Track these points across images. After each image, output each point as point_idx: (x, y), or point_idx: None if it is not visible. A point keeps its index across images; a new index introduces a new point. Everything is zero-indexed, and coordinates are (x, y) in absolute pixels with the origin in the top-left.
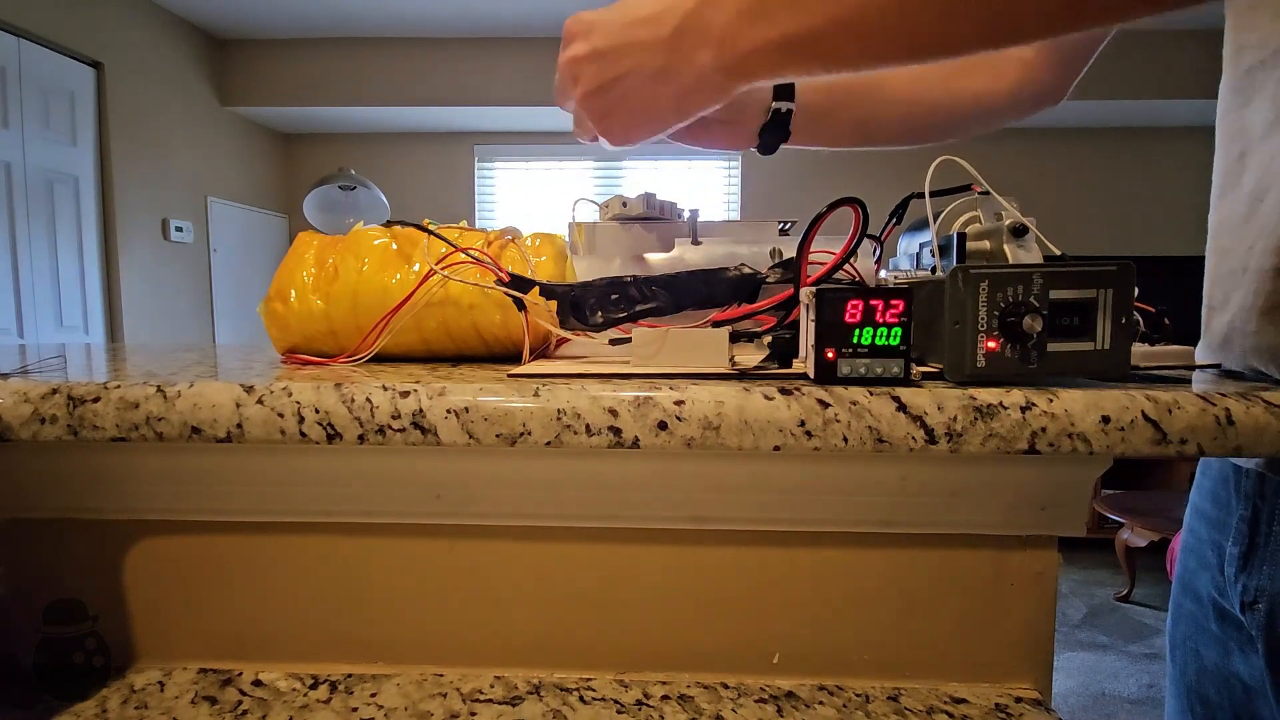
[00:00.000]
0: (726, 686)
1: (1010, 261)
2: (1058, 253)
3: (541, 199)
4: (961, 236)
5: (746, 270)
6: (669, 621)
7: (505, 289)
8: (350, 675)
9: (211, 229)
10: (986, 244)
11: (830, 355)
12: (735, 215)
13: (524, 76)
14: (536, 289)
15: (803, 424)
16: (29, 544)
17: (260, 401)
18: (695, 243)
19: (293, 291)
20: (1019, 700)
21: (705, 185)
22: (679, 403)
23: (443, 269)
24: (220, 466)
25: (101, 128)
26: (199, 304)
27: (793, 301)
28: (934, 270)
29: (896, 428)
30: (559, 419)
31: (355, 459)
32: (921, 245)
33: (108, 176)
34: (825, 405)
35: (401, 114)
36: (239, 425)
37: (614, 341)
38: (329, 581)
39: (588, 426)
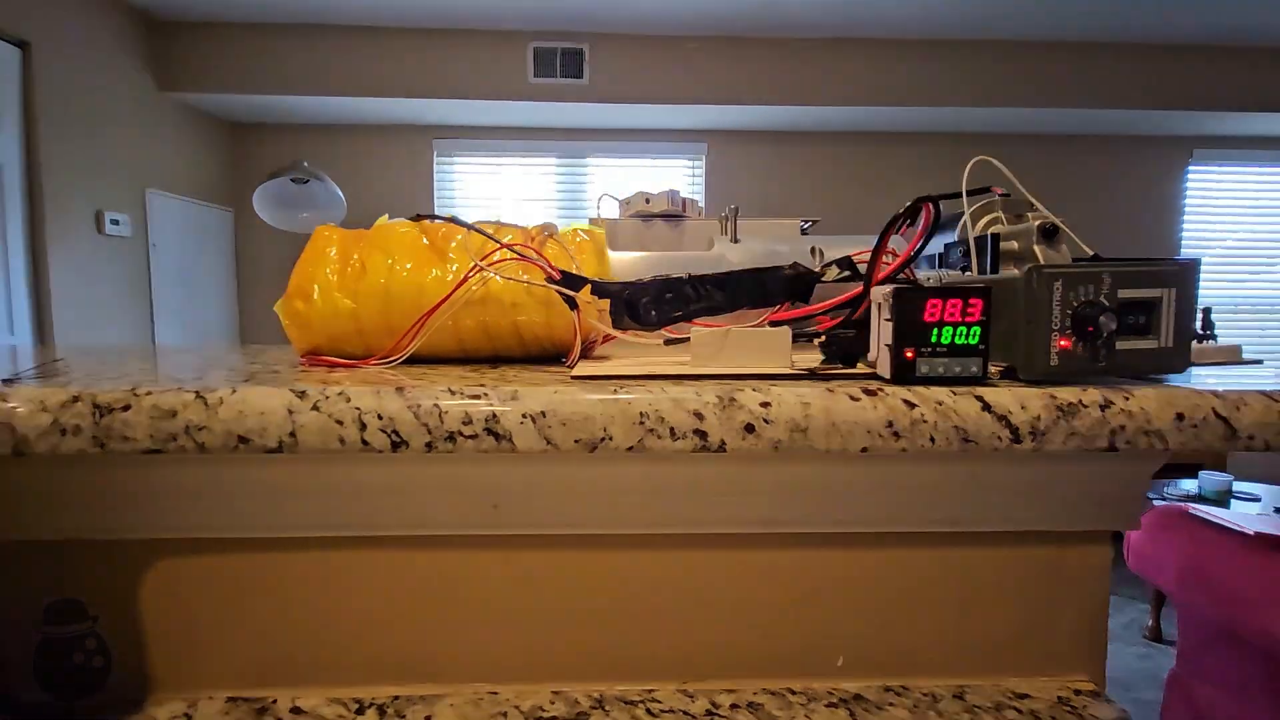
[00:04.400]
0: (793, 692)
1: (1042, 262)
2: (1089, 253)
3: (503, 194)
4: (995, 238)
5: (802, 269)
6: (731, 628)
7: (556, 287)
8: (398, 697)
9: (151, 222)
10: (1015, 245)
11: (910, 355)
12: None
13: (483, 69)
14: (588, 287)
15: (890, 425)
16: (30, 568)
17: (315, 408)
18: (734, 240)
19: (315, 289)
20: (1078, 693)
21: (669, 183)
22: (765, 404)
23: (489, 266)
24: (252, 480)
25: (28, 112)
26: (137, 302)
27: (855, 301)
28: (963, 270)
29: (982, 427)
30: (641, 422)
31: (408, 469)
32: (947, 246)
33: (35, 164)
34: (911, 406)
35: (356, 105)
36: (292, 434)
37: (669, 341)
38: (371, 598)
39: (672, 430)
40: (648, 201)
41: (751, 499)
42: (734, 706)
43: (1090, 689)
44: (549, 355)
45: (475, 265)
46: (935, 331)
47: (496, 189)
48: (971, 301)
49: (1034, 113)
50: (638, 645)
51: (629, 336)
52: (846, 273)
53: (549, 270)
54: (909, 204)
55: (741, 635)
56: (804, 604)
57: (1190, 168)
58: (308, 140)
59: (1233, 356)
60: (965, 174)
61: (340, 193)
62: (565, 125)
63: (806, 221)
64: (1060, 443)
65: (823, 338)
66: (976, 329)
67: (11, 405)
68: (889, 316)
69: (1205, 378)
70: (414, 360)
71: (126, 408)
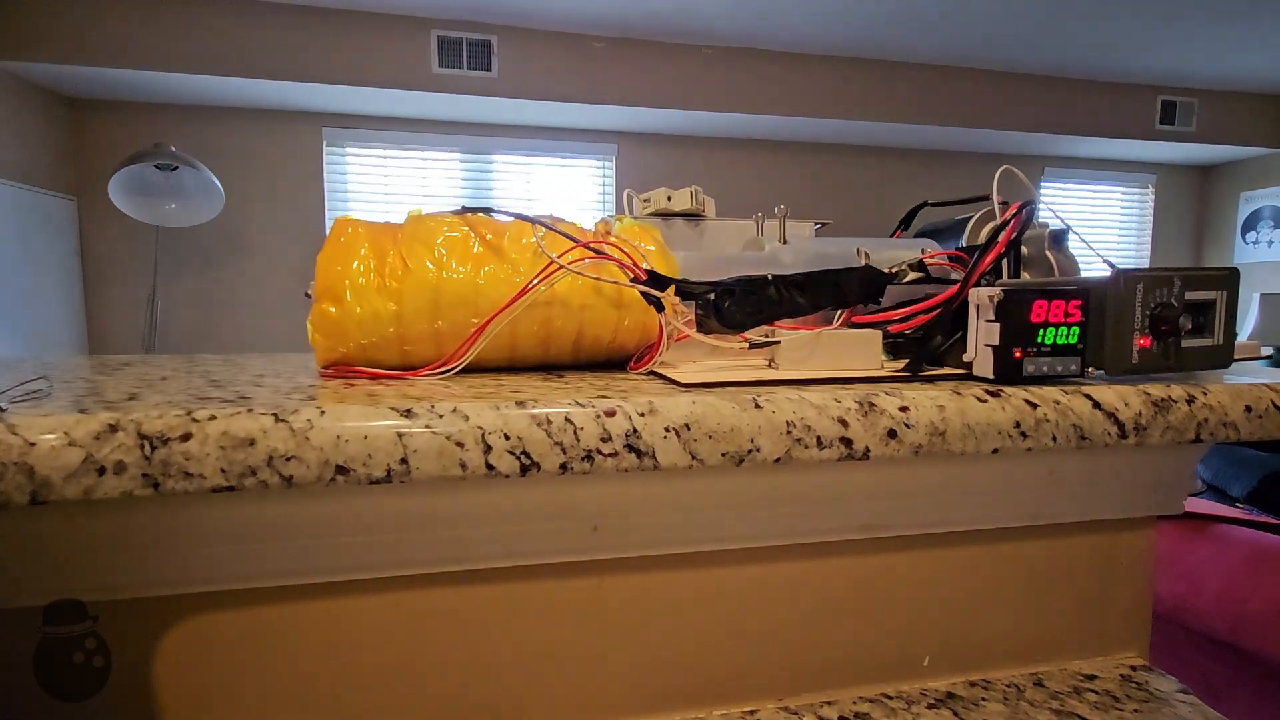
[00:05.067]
0: (889, 697)
1: (1054, 267)
2: (1099, 258)
3: (402, 189)
4: (1017, 242)
5: (877, 270)
6: (822, 637)
7: (642, 287)
8: None
9: None
10: (1025, 250)
11: (1018, 354)
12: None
13: (382, 55)
14: (672, 288)
15: (1018, 425)
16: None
17: (429, 428)
18: (784, 241)
19: (348, 291)
20: (1135, 669)
21: (578, 184)
22: (904, 408)
23: (569, 265)
24: (337, 518)
25: None
26: None
27: (949, 301)
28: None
29: (1095, 424)
30: (788, 432)
31: (509, 493)
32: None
33: None
34: (1034, 406)
35: (233, 85)
36: (403, 460)
37: (754, 345)
38: (443, 642)
39: (819, 439)
40: (669, 199)
41: (843, 507)
42: (842, 719)
43: (1143, 664)
44: (600, 361)
45: (552, 263)
46: (1040, 332)
47: (394, 184)
48: (1073, 303)
49: (908, 128)
50: (734, 665)
51: (712, 340)
52: (920, 274)
53: (635, 270)
54: (1013, 212)
55: (833, 644)
56: (892, 607)
57: (1043, 183)
58: (173, 123)
59: (1254, 353)
60: (995, 181)
61: (217, 181)
62: (470, 119)
63: (818, 224)
64: (1158, 436)
65: (902, 338)
66: (1075, 329)
67: (23, 439)
68: (994, 317)
69: (1243, 373)
70: (463, 370)
71: (186, 436)
